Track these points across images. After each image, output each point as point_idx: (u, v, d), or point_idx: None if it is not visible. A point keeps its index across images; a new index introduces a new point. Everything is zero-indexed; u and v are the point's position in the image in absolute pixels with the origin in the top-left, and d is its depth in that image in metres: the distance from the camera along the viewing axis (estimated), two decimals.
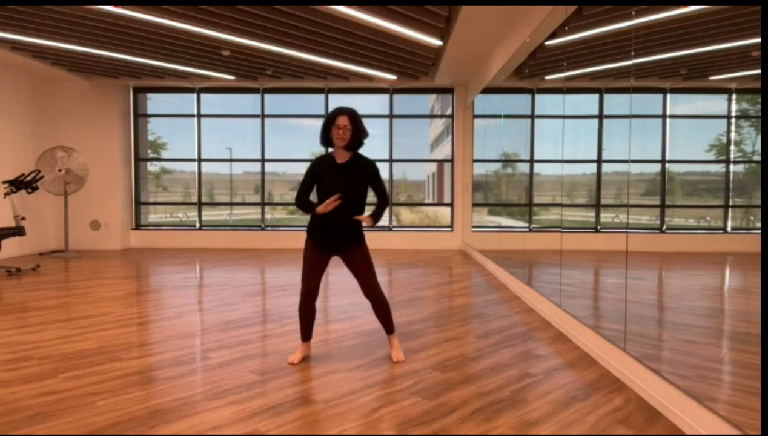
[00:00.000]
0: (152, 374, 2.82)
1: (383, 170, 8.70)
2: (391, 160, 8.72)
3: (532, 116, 4.97)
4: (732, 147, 2.32)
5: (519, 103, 5.42)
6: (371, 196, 3.01)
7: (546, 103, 4.81)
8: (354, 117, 2.86)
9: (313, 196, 2.99)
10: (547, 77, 4.51)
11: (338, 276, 5.79)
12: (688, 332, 2.61)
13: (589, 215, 3.88)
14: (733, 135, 2.33)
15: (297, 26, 5.32)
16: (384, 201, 2.99)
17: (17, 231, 6.37)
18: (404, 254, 7.86)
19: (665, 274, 3.04)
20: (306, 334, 3.06)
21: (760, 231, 2.01)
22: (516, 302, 4.64)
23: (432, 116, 9.44)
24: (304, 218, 9.21)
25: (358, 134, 2.88)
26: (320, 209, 2.78)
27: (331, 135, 2.87)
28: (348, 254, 2.97)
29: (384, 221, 8.80)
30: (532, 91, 4.94)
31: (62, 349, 3.24)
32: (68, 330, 3.66)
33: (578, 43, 3.62)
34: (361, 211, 2.95)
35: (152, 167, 9.10)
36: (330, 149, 3.00)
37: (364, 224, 2.90)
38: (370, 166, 2.95)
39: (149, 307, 4.39)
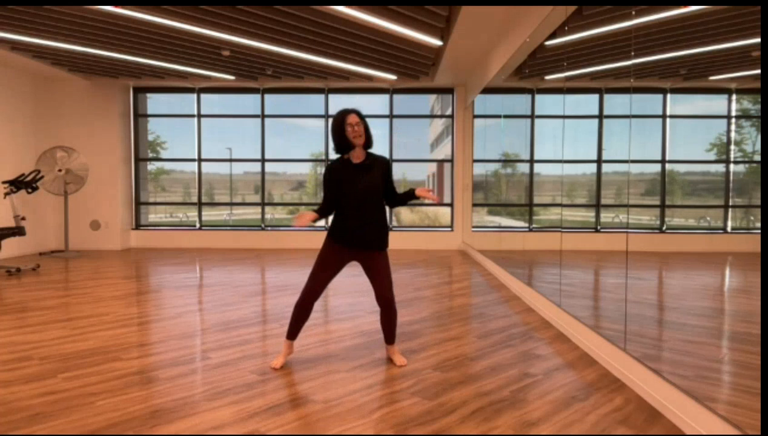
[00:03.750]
0: (152, 374, 2.82)
1: None
2: (391, 160, 8.71)
3: (532, 116, 4.97)
4: (732, 147, 2.32)
5: (519, 103, 5.42)
6: None
7: (546, 103, 4.81)
8: (361, 115, 2.88)
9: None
10: (547, 77, 4.51)
11: (339, 277, 5.79)
12: (688, 332, 2.61)
13: (589, 215, 3.88)
14: (733, 135, 2.33)
15: (297, 26, 5.32)
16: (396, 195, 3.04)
17: (17, 231, 6.37)
18: (404, 254, 7.86)
19: (665, 274, 3.05)
20: (293, 333, 2.98)
21: (760, 231, 2.01)
22: (516, 302, 4.64)
23: (432, 116, 9.44)
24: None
25: (369, 131, 2.90)
26: (295, 223, 2.80)
27: (346, 136, 2.82)
28: (371, 257, 2.92)
29: None
30: (532, 91, 4.94)
31: (62, 349, 3.24)
32: (68, 330, 3.66)
33: (578, 43, 3.62)
34: (384, 209, 2.96)
35: (151, 167, 9.10)
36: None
37: (428, 199, 2.86)
38: (385, 161, 2.99)
39: (149, 307, 4.39)
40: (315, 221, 2.85)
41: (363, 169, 2.88)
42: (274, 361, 2.97)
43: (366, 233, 2.87)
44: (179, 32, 5.52)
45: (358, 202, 2.85)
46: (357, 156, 2.90)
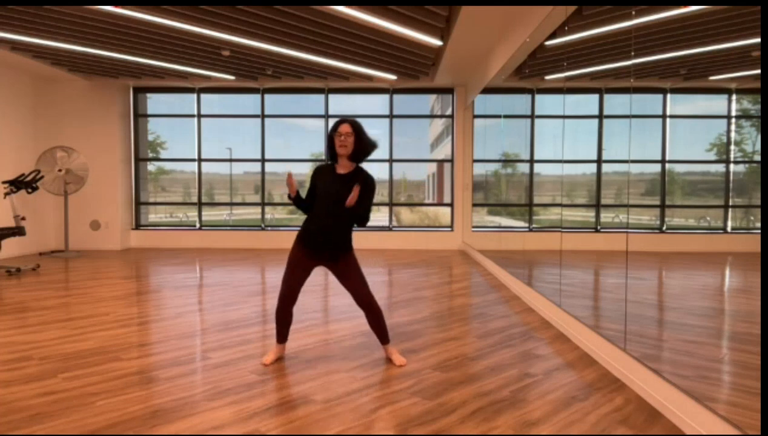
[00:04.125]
0: (152, 374, 2.82)
1: (384, 170, 8.70)
2: (391, 160, 8.72)
3: (532, 116, 4.97)
4: (732, 147, 2.32)
5: (519, 103, 5.42)
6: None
7: (546, 103, 4.81)
8: (356, 126, 2.86)
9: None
10: (547, 77, 4.51)
11: None
12: (688, 332, 2.61)
13: (589, 215, 3.88)
14: (733, 135, 2.33)
15: (297, 26, 5.32)
16: (362, 218, 2.88)
17: (17, 231, 6.37)
18: (404, 254, 7.86)
19: (665, 274, 3.05)
20: (282, 336, 3.06)
21: (760, 231, 2.01)
22: (516, 302, 4.64)
23: (432, 116, 9.44)
24: (304, 218, 9.22)
25: (361, 144, 2.86)
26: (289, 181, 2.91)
27: (334, 144, 2.87)
28: (338, 264, 2.94)
29: (384, 220, 8.80)
30: (532, 91, 4.94)
31: (62, 349, 3.24)
32: (68, 330, 3.66)
33: (578, 43, 3.62)
34: (351, 224, 2.92)
35: (151, 167, 9.10)
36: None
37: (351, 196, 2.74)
38: (368, 180, 2.90)
39: (149, 307, 4.39)
40: (291, 190, 2.95)
41: (342, 180, 2.88)
42: (265, 357, 3.03)
43: (320, 238, 2.88)
44: (179, 32, 5.52)
45: (324, 209, 2.87)
46: (342, 166, 2.92)
